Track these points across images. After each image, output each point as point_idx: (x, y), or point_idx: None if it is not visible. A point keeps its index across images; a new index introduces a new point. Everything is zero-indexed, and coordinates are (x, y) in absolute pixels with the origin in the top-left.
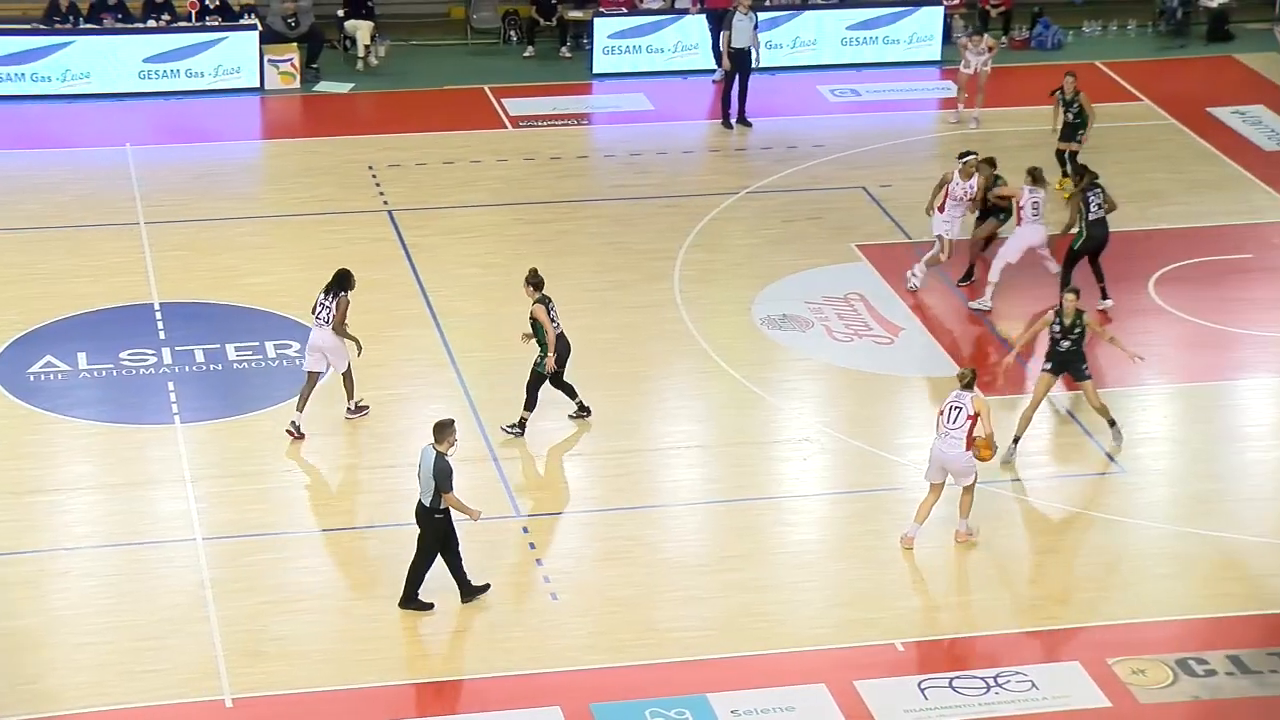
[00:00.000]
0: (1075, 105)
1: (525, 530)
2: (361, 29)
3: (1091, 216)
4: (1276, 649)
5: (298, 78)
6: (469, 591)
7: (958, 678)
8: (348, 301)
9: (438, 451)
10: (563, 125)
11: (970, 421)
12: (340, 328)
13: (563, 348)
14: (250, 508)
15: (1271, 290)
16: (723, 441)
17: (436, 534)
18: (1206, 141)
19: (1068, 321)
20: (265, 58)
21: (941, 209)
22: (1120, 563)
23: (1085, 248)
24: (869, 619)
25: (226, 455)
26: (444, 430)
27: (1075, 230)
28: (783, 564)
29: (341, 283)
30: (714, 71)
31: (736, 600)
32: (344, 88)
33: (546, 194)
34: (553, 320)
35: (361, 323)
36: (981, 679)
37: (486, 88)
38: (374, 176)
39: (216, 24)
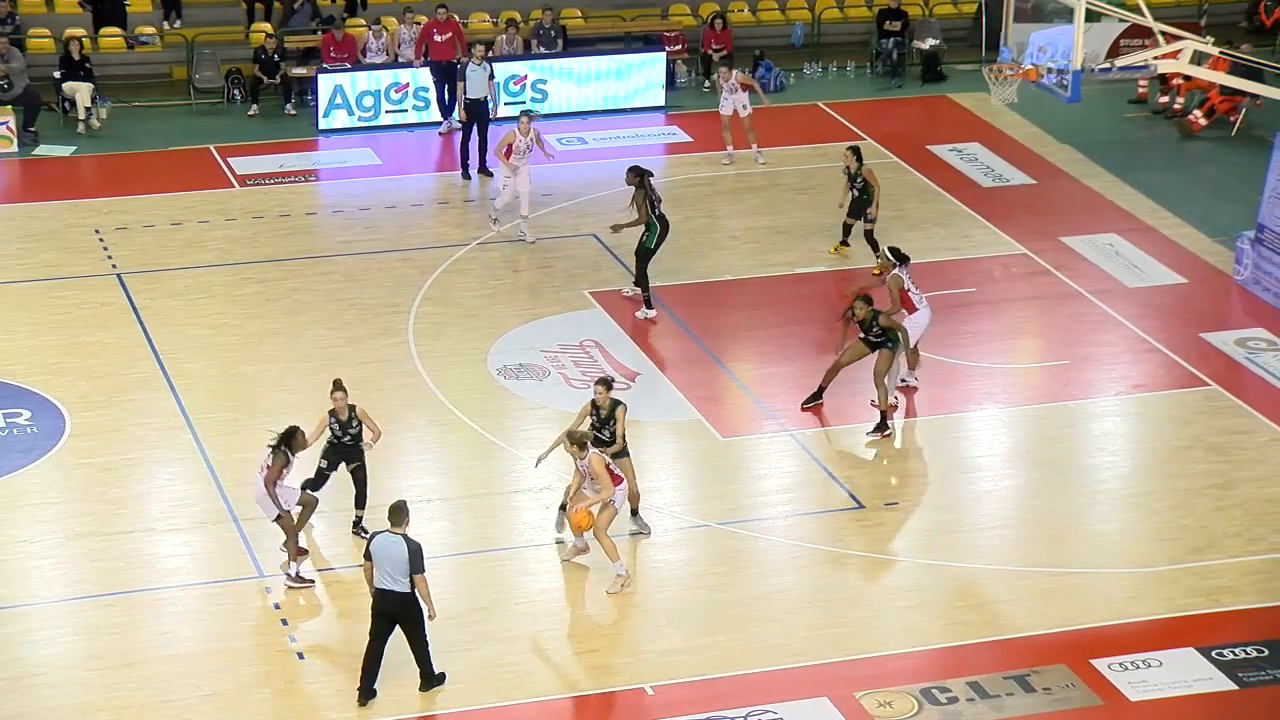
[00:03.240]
0: (859, 180)
1: (268, 590)
2: (81, 91)
3: (659, 211)
4: (1011, 673)
5: (15, 141)
6: (370, 692)
7: None
8: None
9: (404, 534)
10: (290, 182)
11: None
12: None
13: None
14: None
15: (994, 323)
16: (463, 493)
17: (419, 616)
18: (927, 178)
19: (604, 414)
20: None
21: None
22: (861, 597)
23: (659, 240)
24: (617, 664)
25: None
26: (403, 513)
27: (642, 228)
28: (529, 613)
29: None
30: (440, 124)
31: (484, 652)
32: (65, 151)
33: (276, 252)
34: None
35: (93, 388)
36: None
37: (212, 147)
38: (100, 240)
39: None
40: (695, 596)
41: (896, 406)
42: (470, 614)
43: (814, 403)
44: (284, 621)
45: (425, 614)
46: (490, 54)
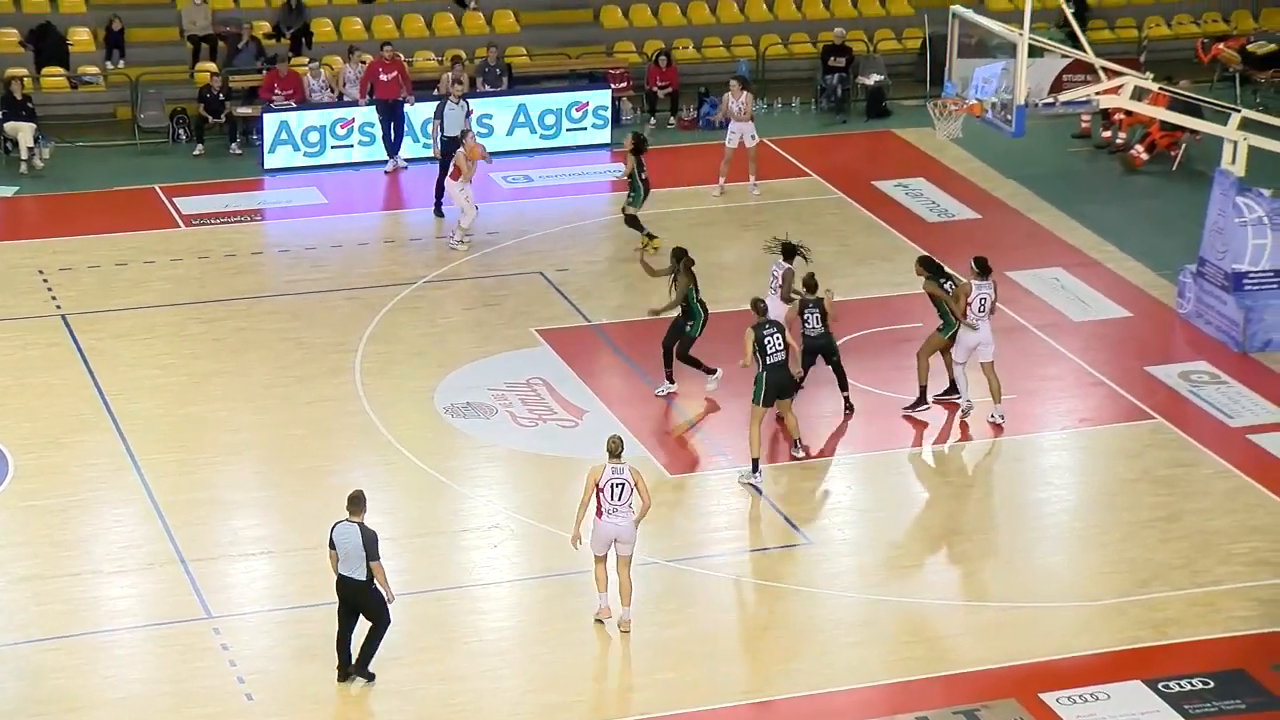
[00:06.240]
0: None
1: (217, 631)
2: (23, 131)
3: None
4: (960, 708)
5: None
6: (347, 669)
7: None
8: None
9: (360, 523)
10: (236, 222)
11: (633, 491)
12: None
13: None
14: None
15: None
16: (411, 533)
17: (380, 602)
18: (872, 214)
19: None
20: None
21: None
22: (810, 633)
23: (702, 327)
24: (566, 702)
25: None
26: (360, 502)
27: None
28: (477, 652)
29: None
30: (386, 163)
31: (432, 691)
32: (7, 191)
33: (222, 292)
34: None
35: (37, 430)
36: None
37: (157, 187)
38: (45, 281)
39: None
40: (644, 634)
41: (963, 406)
42: (418, 654)
43: (949, 395)
44: (232, 663)
45: (385, 598)
46: (435, 92)
